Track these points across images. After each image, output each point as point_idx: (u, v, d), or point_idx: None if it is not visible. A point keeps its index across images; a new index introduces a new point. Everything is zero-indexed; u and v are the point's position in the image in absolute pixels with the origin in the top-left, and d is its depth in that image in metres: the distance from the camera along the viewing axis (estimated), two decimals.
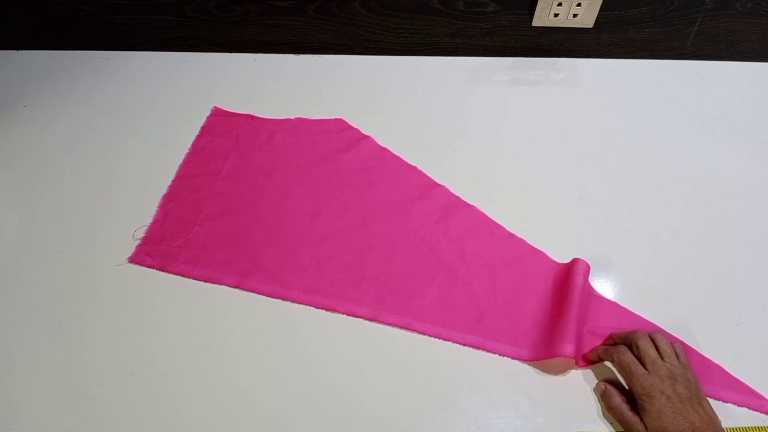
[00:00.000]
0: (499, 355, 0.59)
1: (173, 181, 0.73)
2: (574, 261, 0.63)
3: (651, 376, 0.51)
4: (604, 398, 0.55)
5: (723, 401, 0.56)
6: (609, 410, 0.54)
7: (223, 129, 0.80)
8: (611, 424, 0.54)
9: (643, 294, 0.63)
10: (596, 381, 0.57)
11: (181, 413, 0.55)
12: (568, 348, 0.55)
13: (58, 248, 0.67)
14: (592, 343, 0.59)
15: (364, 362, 0.58)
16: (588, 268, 0.63)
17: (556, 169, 0.76)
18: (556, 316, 0.60)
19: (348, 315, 0.62)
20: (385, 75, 0.89)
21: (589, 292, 0.63)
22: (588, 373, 0.58)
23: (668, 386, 0.50)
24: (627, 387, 0.54)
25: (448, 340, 0.60)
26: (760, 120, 0.83)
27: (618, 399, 0.53)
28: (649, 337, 0.56)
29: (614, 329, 0.59)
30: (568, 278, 0.62)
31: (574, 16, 0.85)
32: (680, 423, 0.48)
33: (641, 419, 0.50)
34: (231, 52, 0.92)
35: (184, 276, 0.64)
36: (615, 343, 0.57)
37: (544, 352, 0.58)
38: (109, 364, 0.58)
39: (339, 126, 0.80)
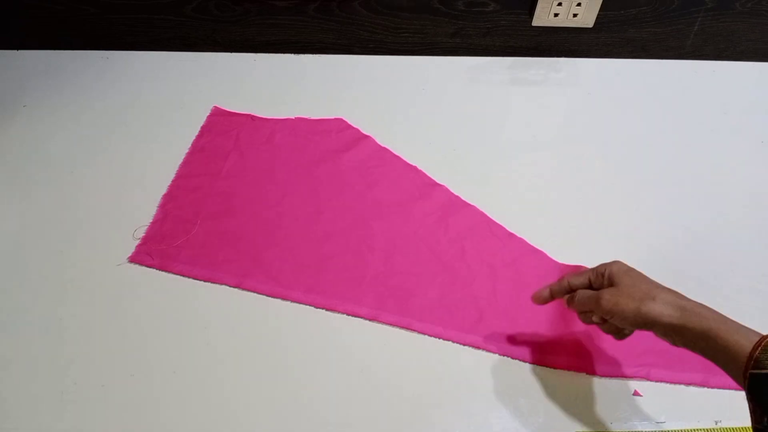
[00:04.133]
0: (499, 355, 0.59)
1: (173, 181, 0.73)
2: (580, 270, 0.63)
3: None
4: (570, 299, 0.53)
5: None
6: (579, 307, 0.52)
7: (223, 129, 0.80)
8: (611, 423, 0.54)
9: None
10: (596, 381, 0.57)
11: (181, 413, 0.55)
12: (573, 361, 0.56)
13: (58, 248, 0.67)
14: (597, 349, 0.59)
15: (364, 362, 0.58)
16: None
17: (555, 168, 0.76)
18: (560, 324, 0.60)
19: (348, 315, 0.62)
20: (385, 75, 0.89)
21: None
22: None
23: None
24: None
25: (448, 340, 0.60)
26: (760, 120, 0.83)
27: (581, 290, 0.52)
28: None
29: None
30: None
31: (574, 16, 0.85)
32: (647, 282, 0.48)
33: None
34: (231, 52, 0.92)
35: (184, 276, 0.64)
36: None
37: (549, 361, 0.58)
38: (109, 364, 0.58)
39: (339, 126, 0.80)
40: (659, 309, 0.45)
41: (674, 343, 0.46)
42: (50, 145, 0.78)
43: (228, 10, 0.87)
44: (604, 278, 0.51)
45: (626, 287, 0.48)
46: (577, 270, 0.63)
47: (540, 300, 0.55)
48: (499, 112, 0.83)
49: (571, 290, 0.54)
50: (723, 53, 0.92)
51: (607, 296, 0.48)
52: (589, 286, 0.52)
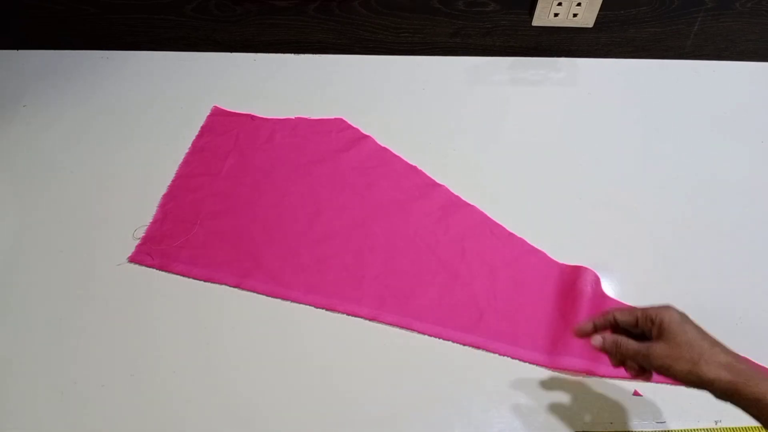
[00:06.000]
0: (499, 355, 0.59)
1: (173, 181, 0.73)
2: (581, 270, 0.63)
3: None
4: (613, 348, 0.49)
5: None
6: (622, 357, 0.49)
7: (223, 129, 0.80)
8: (611, 423, 0.54)
9: (643, 294, 0.63)
10: (596, 381, 0.57)
11: (181, 413, 0.55)
12: (574, 362, 0.56)
13: (58, 248, 0.67)
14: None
15: (364, 362, 0.58)
16: (597, 278, 0.63)
17: (556, 168, 0.76)
18: (561, 325, 0.60)
19: (348, 315, 0.62)
20: (385, 75, 0.89)
21: (603, 300, 0.62)
22: None
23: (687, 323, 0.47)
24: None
25: (448, 340, 0.60)
26: (760, 120, 0.83)
27: (626, 339, 0.48)
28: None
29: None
30: (574, 287, 0.62)
31: (574, 15, 0.85)
32: (701, 339, 0.45)
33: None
34: (231, 52, 0.92)
35: (184, 276, 0.64)
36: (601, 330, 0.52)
37: (548, 361, 0.58)
38: (109, 364, 0.58)
39: (339, 126, 0.80)
40: (714, 373, 0.43)
41: (729, 402, 0.44)
42: (50, 145, 0.78)
43: (228, 10, 0.87)
44: (654, 325, 0.47)
45: (679, 345, 0.45)
46: (605, 305, 0.60)
47: (583, 333, 0.51)
48: (499, 112, 0.83)
49: (615, 325, 0.50)
50: (723, 53, 0.92)
51: (659, 352, 0.46)
52: (635, 326, 0.49)
